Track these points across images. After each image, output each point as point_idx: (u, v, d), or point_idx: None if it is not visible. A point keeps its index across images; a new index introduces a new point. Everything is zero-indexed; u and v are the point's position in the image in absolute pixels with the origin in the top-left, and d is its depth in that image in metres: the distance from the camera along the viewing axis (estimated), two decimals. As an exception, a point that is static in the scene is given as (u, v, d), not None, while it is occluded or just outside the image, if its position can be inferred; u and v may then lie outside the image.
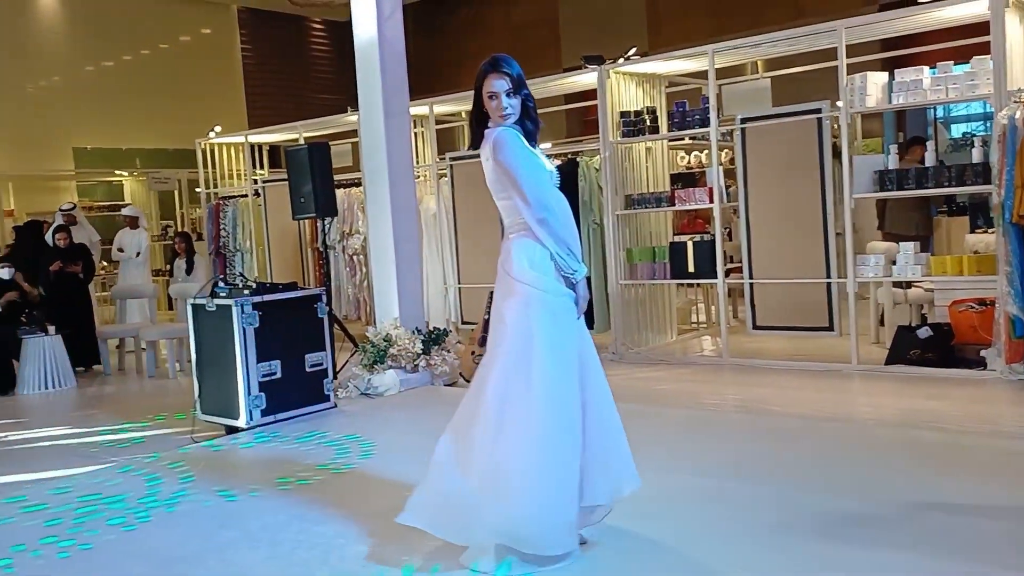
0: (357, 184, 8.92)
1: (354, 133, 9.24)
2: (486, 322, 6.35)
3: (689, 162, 10.08)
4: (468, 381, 6.47)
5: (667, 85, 8.02)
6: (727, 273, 7.00)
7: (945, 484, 3.70)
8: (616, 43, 12.93)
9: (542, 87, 7.87)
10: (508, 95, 3.05)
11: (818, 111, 6.46)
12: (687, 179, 7.74)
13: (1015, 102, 5.51)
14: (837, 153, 6.52)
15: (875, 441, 4.53)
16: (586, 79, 7.86)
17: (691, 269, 7.09)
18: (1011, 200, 5.42)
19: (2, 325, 7.80)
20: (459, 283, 8.48)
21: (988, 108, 9.11)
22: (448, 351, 6.53)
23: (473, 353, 6.52)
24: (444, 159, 8.58)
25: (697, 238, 7.30)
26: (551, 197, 3.03)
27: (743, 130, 6.78)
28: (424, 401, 6.01)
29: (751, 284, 6.84)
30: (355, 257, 9.17)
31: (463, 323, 8.43)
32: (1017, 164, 5.37)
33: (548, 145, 9.10)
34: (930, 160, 6.26)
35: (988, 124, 11.03)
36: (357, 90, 6.72)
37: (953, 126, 12.40)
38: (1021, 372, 5.55)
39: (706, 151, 9.68)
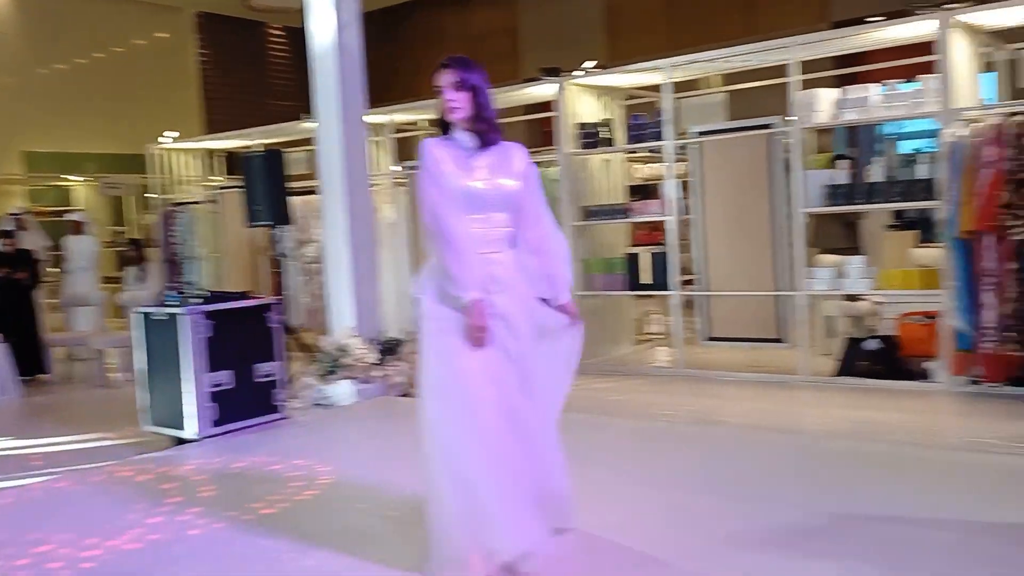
0: (315, 191, 8.84)
1: (312, 140, 9.16)
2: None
3: (646, 174, 10.16)
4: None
5: (625, 98, 8.09)
6: (682, 284, 7.07)
7: (892, 495, 3.75)
8: (575, 55, 12.96)
9: (500, 97, 7.86)
10: (454, 88, 3.00)
11: (769, 126, 6.56)
12: (644, 191, 7.81)
13: (960, 121, 5.65)
14: (790, 167, 6.61)
15: (824, 452, 4.59)
16: (544, 90, 7.89)
17: (647, 280, 7.14)
18: (956, 215, 5.55)
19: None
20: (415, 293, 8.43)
21: (935, 125, 9.32)
22: (403, 361, 6.49)
23: (429, 363, 6.48)
24: (402, 168, 8.54)
25: (654, 249, 7.35)
26: (445, 218, 2.91)
27: (699, 143, 6.87)
28: (378, 412, 5.97)
29: (705, 295, 6.91)
30: (311, 265, 9.09)
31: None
32: (963, 180, 5.51)
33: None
34: (880, 175, 6.38)
35: (935, 141, 11.31)
36: (313, 98, 6.69)
37: (903, 142, 12.64)
38: (965, 384, 5.67)
39: (664, 164, 9.78)
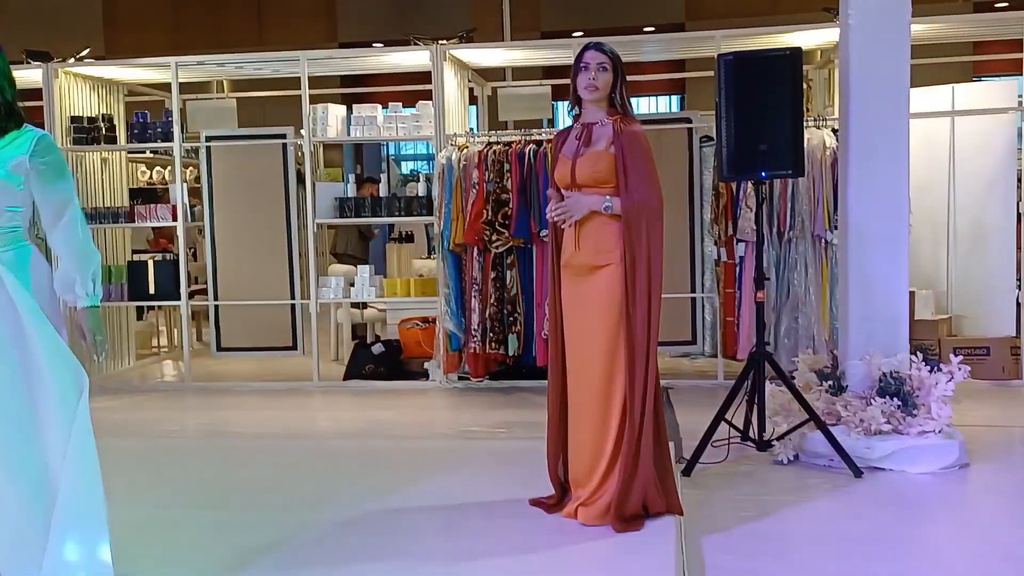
0: None
1: None
2: None
3: (151, 177, 9.59)
4: None
5: (126, 93, 7.54)
6: (191, 294, 6.80)
7: (394, 486, 4.03)
8: (68, 41, 11.74)
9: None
10: None
11: (283, 136, 6.66)
12: (148, 195, 7.35)
13: (451, 144, 6.33)
14: (302, 179, 6.77)
15: (333, 453, 4.78)
16: (31, 75, 7.00)
17: (152, 290, 6.73)
18: (448, 230, 6.19)
19: None
20: None
21: (430, 148, 10.33)
22: None
23: None
24: None
25: (159, 257, 6.96)
26: None
27: (208, 148, 6.68)
28: None
29: (216, 306, 6.74)
30: None
31: None
32: (453, 199, 6.17)
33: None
34: (384, 192, 6.87)
35: (431, 163, 12.53)
36: None
37: (403, 163, 13.76)
38: (455, 381, 6.35)
39: (169, 167, 9.33)
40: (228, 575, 3.06)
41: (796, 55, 4.23)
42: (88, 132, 6.68)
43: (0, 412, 2.59)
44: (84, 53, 6.96)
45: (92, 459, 2.67)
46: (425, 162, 13.49)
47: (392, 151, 13.50)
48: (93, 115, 6.83)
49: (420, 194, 6.57)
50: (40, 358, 2.62)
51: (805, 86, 6.44)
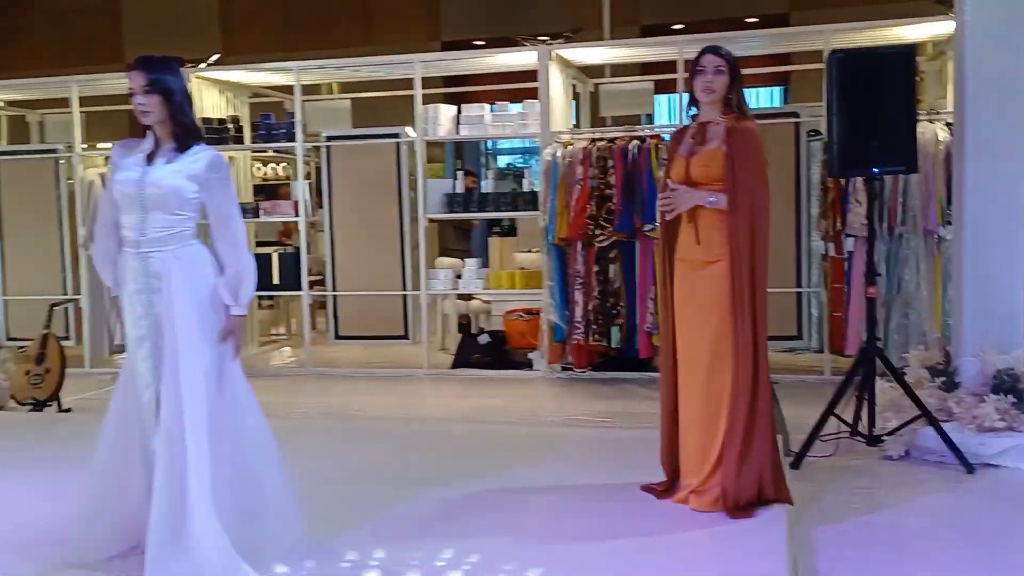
0: None
1: None
2: (44, 337, 5.84)
3: (266, 174, 10.08)
4: (21, 404, 5.78)
5: (249, 95, 7.97)
6: (311, 285, 7.17)
7: (504, 468, 4.21)
8: (186, 44, 12.37)
9: (103, 84, 7.40)
10: (143, 92, 2.93)
11: (396, 135, 6.96)
12: (270, 191, 7.77)
13: (556, 142, 6.49)
14: (415, 176, 7.04)
15: (447, 436, 5.01)
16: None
17: (276, 281, 7.13)
18: (553, 224, 6.36)
19: None
20: (4, 294, 7.58)
21: (530, 144, 10.48)
22: (-3, 370, 5.76)
23: (28, 373, 5.83)
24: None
25: (281, 250, 7.36)
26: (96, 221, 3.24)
27: (328, 147, 7.03)
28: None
29: (334, 296, 7.10)
30: None
31: (8, 339, 7.50)
32: (558, 194, 6.33)
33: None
34: (489, 187, 7.09)
35: (527, 157, 12.67)
36: None
37: (500, 158, 13.97)
38: (559, 371, 6.52)
39: (283, 164, 9.80)
40: (362, 542, 3.29)
41: (910, 52, 4.24)
42: (218, 133, 7.10)
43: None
44: (214, 59, 7.39)
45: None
46: (521, 156, 13.66)
47: (490, 146, 13.71)
48: (221, 116, 7.26)
49: (523, 190, 6.76)
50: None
51: (917, 79, 6.34)
